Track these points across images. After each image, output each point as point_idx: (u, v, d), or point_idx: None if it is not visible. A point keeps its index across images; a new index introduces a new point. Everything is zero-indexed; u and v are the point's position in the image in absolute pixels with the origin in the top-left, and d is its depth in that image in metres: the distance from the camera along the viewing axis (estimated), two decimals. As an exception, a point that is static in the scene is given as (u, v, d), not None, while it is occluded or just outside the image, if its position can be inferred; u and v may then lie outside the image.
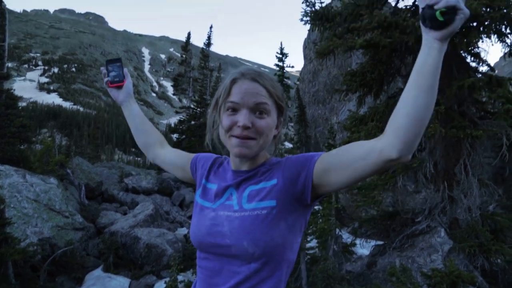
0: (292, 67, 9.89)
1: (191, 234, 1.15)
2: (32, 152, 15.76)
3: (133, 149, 67.58)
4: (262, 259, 1.01)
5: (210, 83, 24.69)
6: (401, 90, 7.55)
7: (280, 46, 8.84)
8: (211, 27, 25.07)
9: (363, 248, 8.00)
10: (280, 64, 8.40)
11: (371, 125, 6.46)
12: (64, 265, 7.80)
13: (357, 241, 7.95)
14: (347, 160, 0.94)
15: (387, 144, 0.86)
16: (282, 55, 8.48)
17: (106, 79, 1.45)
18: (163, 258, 8.49)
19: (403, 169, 6.20)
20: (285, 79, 8.80)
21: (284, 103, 1.12)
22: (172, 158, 1.39)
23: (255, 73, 1.08)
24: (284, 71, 8.43)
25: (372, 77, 7.00)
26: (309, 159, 1.03)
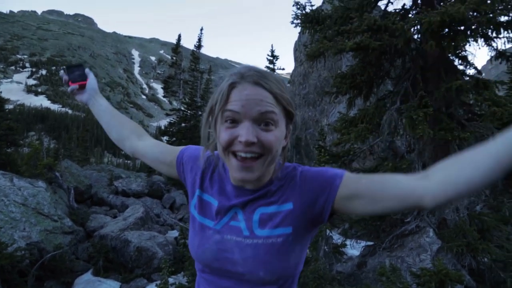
0: (283, 69, 9.89)
1: (192, 253, 1.04)
2: (19, 156, 15.55)
3: (123, 152, 67.02)
4: (278, 283, 0.94)
5: (200, 85, 24.66)
6: (390, 92, 7.67)
7: (271, 48, 8.96)
8: (201, 29, 25.08)
9: (354, 248, 8.06)
10: (271, 66, 8.46)
11: (361, 127, 6.53)
12: (53, 269, 7.69)
13: (348, 242, 8.00)
14: (380, 196, 0.86)
15: (431, 194, 0.80)
16: (273, 57, 8.53)
17: (65, 78, 1.35)
18: (154, 261, 8.43)
19: (392, 170, 6.27)
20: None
21: (294, 108, 0.95)
22: (154, 153, 1.21)
23: (258, 75, 0.89)
24: (275, 73, 8.51)
25: (362, 79, 7.07)
26: (330, 182, 0.91)
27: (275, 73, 1.00)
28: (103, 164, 27.01)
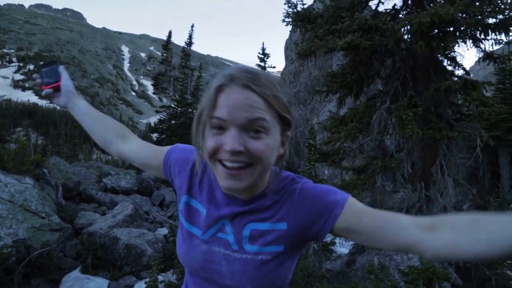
0: (274, 67, 9.87)
1: (179, 258, 1.00)
2: (6, 152, 15.27)
3: (112, 149, 66.30)
4: None
5: (191, 82, 24.54)
6: (380, 92, 7.74)
7: (262, 46, 8.96)
8: (192, 26, 24.92)
9: (342, 247, 8.13)
10: (262, 64, 8.43)
11: (351, 125, 6.58)
12: (40, 267, 7.59)
13: (337, 240, 8.07)
14: (380, 238, 0.83)
15: (432, 252, 0.76)
16: (264, 56, 8.51)
17: (38, 81, 1.28)
18: (143, 259, 8.39)
19: (381, 169, 6.34)
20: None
21: (290, 113, 0.85)
22: (141, 157, 1.14)
23: (248, 76, 0.81)
24: (266, 71, 8.54)
25: (352, 78, 7.13)
26: (329, 209, 0.85)
27: (270, 74, 0.90)
28: (92, 161, 26.72)
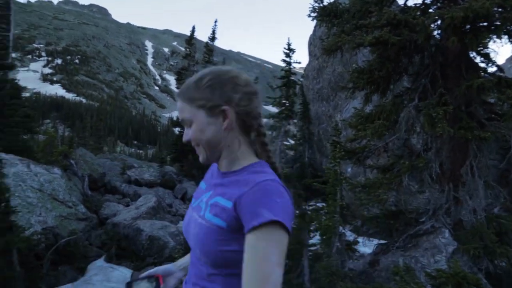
0: (299, 63, 9.74)
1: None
2: (35, 143, 15.80)
3: (135, 142, 67.76)
4: (220, 270, 1.01)
5: (214, 77, 24.63)
6: (408, 89, 7.53)
7: (287, 41, 8.77)
8: (215, 21, 24.95)
9: (365, 246, 8.01)
10: (287, 59, 8.25)
11: (377, 123, 6.43)
12: (67, 254, 7.82)
13: (360, 239, 7.95)
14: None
15: None
16: (290, 51, 8.34)
17: None
18: (165, 250, 8.52)
19: (408, 168, 6.19)
20: (291, 75, 8.69)
21: (208, 98, 1.05)
22: None
23: (180, 90, 1.12)
24: (291, 67, 8.33)
25: (379, 74, 6.95)
26: (253, 217, 0.92)
27: (194, 78, 1.11)
28: (116, 153, 27.30)
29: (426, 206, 6.89)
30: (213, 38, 24.55)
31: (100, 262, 8.25)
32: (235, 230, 0.97)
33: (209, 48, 23.98)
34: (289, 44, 8.54)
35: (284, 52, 8.34)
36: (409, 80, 7.86)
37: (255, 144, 1.14)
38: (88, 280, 7.55)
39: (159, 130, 79.31)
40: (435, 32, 6.55)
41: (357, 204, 8.94)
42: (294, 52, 8.65)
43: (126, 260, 8.50)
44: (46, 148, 12.68)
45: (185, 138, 1.11)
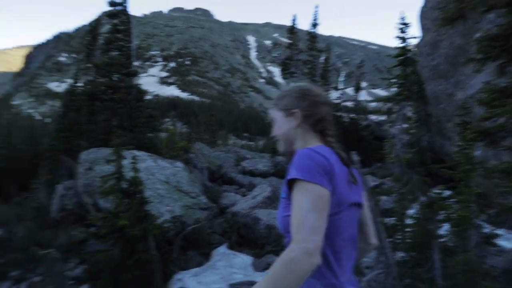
0: (416, 38, 8.75)
1: None
2: (159, 140, 17.56)
3: (245, 134, 70.99)
4: (286, 237, 1.29)
5: (319, 64, 24.08)
6: None
7: (400, 16, 7.87)
8: (316, 7, 24.28)
9: (508, 240, 6.90)
10: (403, 35, 7.40)
11: (520, 95, 5.34)
12: (193, 241, 8.43)
13: (500, 232, 6.84)
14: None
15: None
16: (404, 25, 7.46)
17: None
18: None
19: None
20: (408, 52, 7.85)
21: (287, 105, 1.44)
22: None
23: (273, 100, 1.51)
24: (407, 42, 7.48)
25: (518, 40, 5.77)
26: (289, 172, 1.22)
27: (286, 89, 1.53)
28: (229, 146, 28.87)
29: None
30: (315, 24, 23.95)
31: (223, 248, 8.70)
32: (290, 197, 1.20)
33: (313, 35, 23.50)
34: (402, 18, 7.66)
35: (398, 27, 7.51)
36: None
37: (322, 139, 1.39)
38: (213, 265, 8.02)
39: (267, 121, 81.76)
40: None
41: (493, 191, 7.75)
42: (408, 26, 7.73)
43: (246, 248, 8.80)
44: (169, 144, 13.94)
45: (272, 133, 1.48)
